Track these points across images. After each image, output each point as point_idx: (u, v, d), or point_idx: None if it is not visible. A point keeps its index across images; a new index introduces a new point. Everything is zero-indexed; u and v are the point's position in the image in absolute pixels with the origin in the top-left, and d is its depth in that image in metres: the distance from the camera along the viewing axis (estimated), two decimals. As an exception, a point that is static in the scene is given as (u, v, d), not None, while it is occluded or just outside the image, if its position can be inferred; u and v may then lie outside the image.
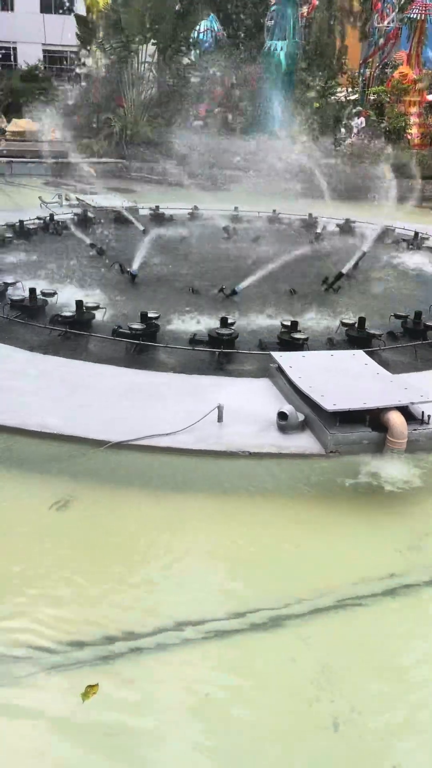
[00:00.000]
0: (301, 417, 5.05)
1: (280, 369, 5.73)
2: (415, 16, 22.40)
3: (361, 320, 6.92)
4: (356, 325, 6.93)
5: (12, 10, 36.94)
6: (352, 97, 24.34)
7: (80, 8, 30.04)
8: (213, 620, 3.41)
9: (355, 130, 21.25)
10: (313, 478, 4.65)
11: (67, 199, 14.53)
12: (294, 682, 3.11)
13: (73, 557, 3.88)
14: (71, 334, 6.61)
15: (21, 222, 11.61)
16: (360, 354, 6.06)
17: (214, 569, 3.87)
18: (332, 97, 24.89)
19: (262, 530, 4.23)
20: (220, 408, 5.00)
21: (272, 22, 23.17)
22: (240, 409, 5.16)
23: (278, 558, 4.00)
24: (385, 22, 22.07)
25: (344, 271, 8.88)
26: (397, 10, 22.23)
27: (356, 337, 6.80)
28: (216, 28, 24.63)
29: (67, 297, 7.61)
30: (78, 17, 29.04)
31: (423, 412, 5.04)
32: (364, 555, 4.07)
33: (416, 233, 12.31)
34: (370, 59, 23.09)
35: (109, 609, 3.48)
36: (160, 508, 4.36)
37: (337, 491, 4.56)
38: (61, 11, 36.72)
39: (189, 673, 3.14)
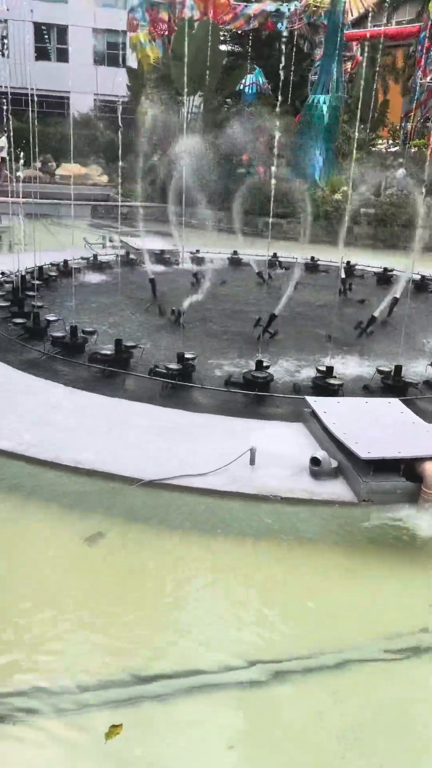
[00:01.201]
0: (334, 463, 5.01)
1: (314, 414, 5.71)
2: (457, 73, 22.86)
3: (397, 368, 6.89)
4: (392, 372, 6.90)
5: (67, 62, 38.79)
6: (393, 150, 24.71)
7: (132, 61, 31.42)
8: (238, 668, 3.35)
9: (396, 181, 21.50)
10: (345, 526, 4.58)
11: (110, 241, 14.95)
12: (321, 738, 3.02)
13: (99, 595, 3.87)
14: (109, 372, 6.74)
15: (65, 261, 11.98)
16: (396, 402, 6.02)
17: (241, 615, 3.82)
18: (373, 149, 25.33)
19: (291, 577, 4.17)
20: (252, 451, 5.00)
21: (316, 76, 23.85)
22: (273, 453, 5.15)
23: (306, 607, 3.92)
24: (428, 78, 22.50)
25: (377, 314, 8.85)
26: (439, 66, 22.68)
27: (392, 385, 6.76)
28: (261, 82, 25.44)
29: (109, 335, 7.78)
30: (129, 69, 30.41)
31: (459, 464, 4.94)
32: (395, 609, 3.96)
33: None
34: (412, 113, 23.49)
35: (132, 650, 3.44)
36: (189, 549, 4.34)
37: (368, 541, 4.48)
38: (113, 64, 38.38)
39: (212, 722, 3.08)
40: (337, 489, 4.87)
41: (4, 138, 25.52)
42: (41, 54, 39.51)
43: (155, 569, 4.13)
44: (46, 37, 39.18)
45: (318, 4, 24.24)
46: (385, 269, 13.23)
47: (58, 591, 3.87)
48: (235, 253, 14.22)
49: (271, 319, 8.39)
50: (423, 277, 12.71)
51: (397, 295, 10.07)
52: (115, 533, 4.43)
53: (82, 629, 3.59)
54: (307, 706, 3.20)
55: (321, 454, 5.00)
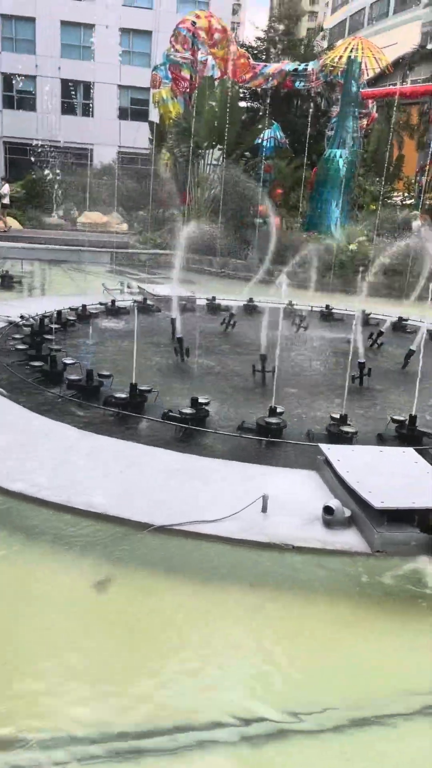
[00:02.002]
0: (347, 512, 4.95)
1: (327, 462, 5.68)
2: (471, 130, 23.41)
3: (412, 418, 6.85)
4: (407, 422, 6.86)
5: (92, 116, 40.29)
6: (408, 202, 25.15)
7: (153, 116, 32.57)
8: (246, 724, 3.25)
9: (413, 232, 21.81)
10: (358, 577, 4.49)
11: (128, 287, 15.22)
12: (330, 801, 2.90)
13: (107, 641, 3.80)
14: (123, 415, 6.77)
15: (83, 306, 12.18)
16: (410, 452, 5.97)
17: (249, 668, 3.72)
18: (388, 201, 25.80)
19: (302, 629, 4.07)
20: (264, 498, 4.96)
21: (332, 131, 24.53)
22: (285, 500, 5.11)
23: (317, 661, 3.81)
24: (442, 134, 23.07)
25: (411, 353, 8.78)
26: (453, 123, 23.26)
27: (407, 435, 6.71)
28: (279, 136, 26.21)
29: (124, 378, 7.85)
30: (151, 123, 31.51)
31: None
32: (410, 665, 3.84)
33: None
34: (427, 167, 23.97)
35: (139, 701, 3.36)
36: (198, 597, 4.27)
37: (382, 593, 4.38)
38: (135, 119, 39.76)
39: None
40: (350, 539, 4.80)
41: (6, 186, 26.33)
42: (68, 109, 41.11)
43: (162, 617, 4.06)
44: (73, 92, 40.80)
45: (335, 64, 25.09)
46: (401, 318, 13.30)
47: (63, 637, 3.81)
48: (250, 300, 14.38)
49: (263, 365, 8.47)
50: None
51: (413, 348, 10.09)
52: (124, 579, 4.38)
53: (85, 678, 3.52)
54: (316, 767, 3.08)
55: (334, 502, 4.95)
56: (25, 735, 3.06)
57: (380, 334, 11.54)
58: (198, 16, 25.20)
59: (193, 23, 25.02)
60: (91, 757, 2.98)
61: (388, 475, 5.31)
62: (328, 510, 4.90)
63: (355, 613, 4.25)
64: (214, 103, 23.09)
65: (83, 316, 11.88)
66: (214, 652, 3.82)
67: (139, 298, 13.66)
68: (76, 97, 40.70)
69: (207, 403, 6.96)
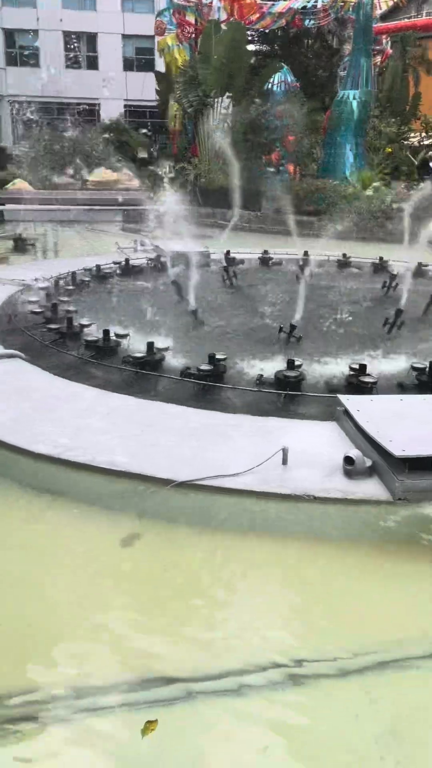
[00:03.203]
0: (368, 462, 4.95)
1: (347, 412, 5.66)
2: None
3: (433, 365, 6.77)
4: (427, 369, 6.79)
5: (97, 68, 39.28)
6: (427, 142, 24.33)
7: (160, 66, 31.65)
8: (272, 668, 3.34)
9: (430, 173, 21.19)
10: (380, 525, 4.52)
11: (142, 245, 15.09)
12: (358, 740, 2.98)
13: (133, 594, 3.91)
14: (142, 374, 6.79)
15: (98, 266, 12.12)
16: (431, 399, 5.92)
17: (275, 615, 3.80)
18: (405, 143, 24.99)
19: (325, 577, 4.13)
20: (285, 450, 4.98)
21: (345, 72, 23.65)
22: (305, 452, 5.12)
23: (340, 607, 3.89)
24: (460, 69, 22.10)
25: (401, 307, 8.63)
26: (471, 56, 22.26)
27: (427, 382, 6.65)
28: (290, 80, 25.33)
29: (139, 339, 7.85)
30: (157, 74, 30.66)
31: None
32: (431, 610, 3.90)
33: None
34: (445, 104, 23.10)
35: (164, 650, 3.46)
36: (221, 549, 4.35)
37: (404, 540, 4.42)
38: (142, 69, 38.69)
39: (247, 724, 3.07)
40: (371, 488, 4.82)
41: None
42: (72, 63, 40.09)
43: (188, 569, 4.14)
44: (77, 44, 39.73)
45: (345, -1, 24.03)
46: (420, 264, 13.04)
47: (92, 589, 3.92)
48: (265, 252, 14.18)
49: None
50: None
51: None
52: (150, 534, 4.46)
53: (114, 630, 3.63)
54: (344, 708, 3.17)
55: (354, 453, 4.95)
56: (49, 687, 3.17)
57: (393, 278, 11.35)
58: None
59: (196, -36, 24.03)
60: (118, 706, 3.09)
61: (409, 424, 5.28)
62: (348, 460, 4.90)
63: (378, 560, 4.29)
64: (221, 49, 22.28)
65: (98, 276, 11.83)
66: (238, 601, 3.91)
67: (153, 255, 13.54)
68: (79, 50, 39.62)
69: (224, 359, 6.93)
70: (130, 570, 4.15)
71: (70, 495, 4.85)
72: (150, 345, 7.19)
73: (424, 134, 26.10)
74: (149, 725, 2.83)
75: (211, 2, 25.43)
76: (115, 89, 38.42)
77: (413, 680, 3.36)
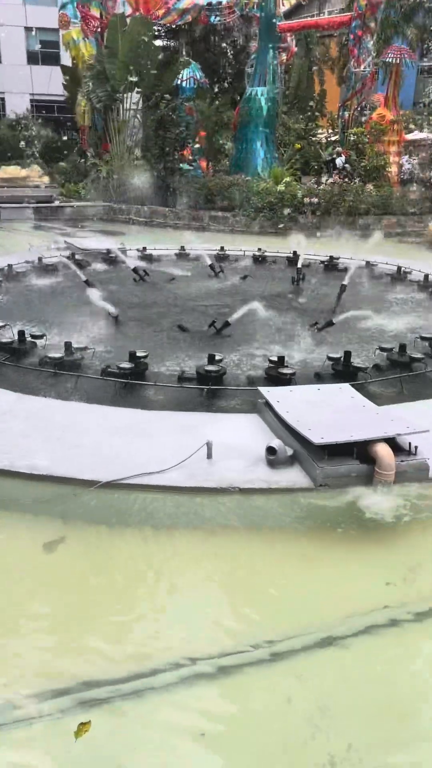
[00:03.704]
0: (289, 451, 5.08)
1: (267, 404, 5.78)
2: (390, 60, 23.27)
3: (347, 354, 7.01)
4: (342, 359, 7.02)
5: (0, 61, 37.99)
6: (333, 138, 25.02)
7: (66, 60, 30.95)
8: (206, 658, 3.38)
9: (337, 168, 21.81)
10: (303, 512, 4.66)
11: (54, 243, 14.76)
12: (289, 721, 3.07)
13: (62, 598, 3.85)
14: (60, 375, 6.66)
15: (9, 266, 11.76)
16: (346, 387, 6.13)
17: (205, 607, 3.85)
18: (313, 138, 25.62)
19: (253, 566, 4.22)
20: (209, 444, 5.03)
21: (252, 69, 23.95)
22: (229, 445, 5.19)
23: (269, 594, 3.98)
24: (362, 67, 22.82)
25: (333, 320, 8.67)
26: (372, 55, 23.03)
27: (342, 371, 6.88)
28: (199, 76, 25.41)
29: (56, 339, 7.69)
30: (64, 68, 29.96)
31: (410, 444, 5.08)
32: (356, 589, 4.05)
33: (399, 268, 12.57)
34: (349, 102, 23.82)
35: (99, 649, 3.44)
36: (149, 546, 4.34)
37: (327, 525, 4.57)
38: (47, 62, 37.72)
39: (183, 713, 3.10)
40: (293, 476, 4.94)
41: None
42: (-28, 55, 38.59)
43: (116, 569, 4.12)
44: (-24, 37, 38.25)
45: (249, -4, 24.30)
46: (331, 258, 13.43)
47: (20, 596, 3.83)
48: (182, 248, 14.20)
49: (225, 325, 8.37)
50: (368, 263, 12.97)
51: (345, 283, 10.25)
52: (75, 537, 4.40)
53: (45, 634, 3.57)
54: (275, 692, 3.25)
55: (276, 443, 5.06)
56: (-12, 698, 3.09)
57: (299, 271, 11.63)
58: None
59: None
60: (66, 707, 3.05)
61: (327, 412, 5.45)
62: (270, 450, 5.01)
63: (302, 546, 4.42)
64: (127, 43, 22.04)
65: (10, 276, 11.48)
66: (172, 595, 3.93)
67: (67, 253, 13.27)
68: (-21, 42, 38.18)
69: (145, 356, 6.91)
70: (54, 575, 4.08)
71: (-10, 502, 4.71)
72: (68, 345, 7.06)
73: (330, 131, 26.86)
74: (82, 727, 2.81)
75: (116, -5, 25.16)
76: (21, 83, 37.31)
77: (337, 657, 3.50)
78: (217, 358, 6.87)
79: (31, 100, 38.14)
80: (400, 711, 3.21)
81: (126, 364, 6.60)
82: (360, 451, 4.95)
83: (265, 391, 5.98)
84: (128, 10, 24.53)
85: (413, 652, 3.63)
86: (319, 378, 6.88)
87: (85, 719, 2.92)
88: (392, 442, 4.98)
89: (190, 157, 22.14)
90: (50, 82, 34.95)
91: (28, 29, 38.48)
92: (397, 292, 11.44)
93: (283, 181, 20.65)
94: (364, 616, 3.75)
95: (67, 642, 3.51)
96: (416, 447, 5.05)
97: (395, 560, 4.30)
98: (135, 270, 11.59)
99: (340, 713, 3.11)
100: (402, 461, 4.91)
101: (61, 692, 3.14)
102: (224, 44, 29.07)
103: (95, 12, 24.69)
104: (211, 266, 12.06)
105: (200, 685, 3.26)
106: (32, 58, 39.08)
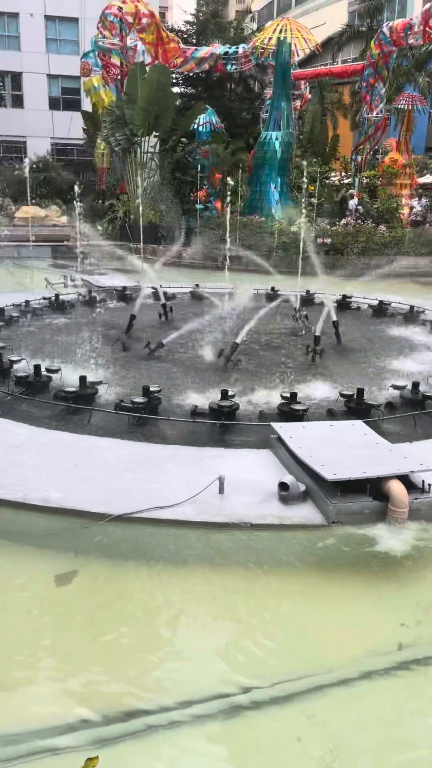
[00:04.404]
0: (302, 487, 5.06)
1: (280, 440, 5.78)
2: (402, 107, 23.83)
3: (360, 391, 7.02)
4: (355, 396, 7.02)
5: (22, 107, 39.25)
6: (346, 181, 25.48)
7: (86, 105, 31.98)
8: (216, 697, 3.33)
9: (350, 210, 22.14)
10: (316, 549, 4.62)
11: (72, 280, 15.01)
12: (300, 762, 3.00)
13: (73, 633, 3.82)
14: (75, 409, 6.72)
15: (27, 302, 11.97)
16: (359, 424, 6.13)
17: (216, 645, 3.80)
18: (326, 181, 26.08)
19: (265, 603, 4.17)
20: (221, 479, 5.02)
21: (267, 114, 24.58)
22: (241, 480, 5.18)
23: (281, 632, 3.93)
24: (374, 113, 23.38)
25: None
26: (384, 101, 23.60)
27: (355, 408, 6.88)
28: (215, 121, 26.12)
29: (71, 373, 7.77)
30: (84, 113, 30.94)
31: (423, 481, 5.05)
32: (369, 628, 3.99)
33: (411, 307, 12.62)
34: (362, 146, 24.32)
35: (109, 686, 3.40)
36: (161, 581, 4.32)
37: (340, 562, 4.52)
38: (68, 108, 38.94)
39: (193, 753, 3.04)
40: (306, 512, 4.92)
41: None
42: (-2, 101, 39.93)
43: (127, 604, 4.09)
44: (1, 84, 39.63)
45: (265, 46, 25.08)
46: (344, 296, 13.53)
47: (30, 630, 3.80)
48: (196, 286, 14.38)
49: (234, 348, 8.45)
50: (380, 302, 13.05)
51: (335, 318, 10.24)
52: (87, 570, 4.39)
53: (55, 669, 3.53)
54: (286, 732, 3.19)
55: (289, 478, 5.05)
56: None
57: (297, 311, 11.68)
58: (124, 1, 24.72)
59: (120, 8, 24.57)
60: (73, 745, 3.00)
61: (339, 448, 5.44)
62: (283, 486, 4.99)
63: (315, 584, 4.37)
64: (147, 90, 22.79)
65: (27, 311, 11.67)
66: (183, 632, 3.89)
67: (84, 290, 13.49)
68: (4, 88, 39.50)
69: (159, 391, 6.96)
70: (69, 608, 4.06)
71: (1, 533, 4.71)
72: (82, 379, 7.14)
73: (343, 173, 27.37)
74: (89, 762, 2.75)
75: (136, 46, 26.06)
76: (42, 127, 38.47)
77: (350, 697, 3.42)
78: (229, 393, 6.91)
79: (52, 144, 39.27)
80: (411, 754, 3.13)
81: (139, 399, 6.65)
82: (373, 488, 4.92)
83: (277, 426, 5.99)
84: (148, 59, 25.39)
85: (425, 694, 3.54)
86: (331, 414, 6.87)
87: (92, 755, 2.87)
88: (406, 480, 4.95)
89: (206, 198, 22.60)
90: (71, 127, 36.05)
91: (50, 76, 39.86)
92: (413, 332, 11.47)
93: (298, 222, 20.96)
94: (378, 657, 3.68)
95: (74, 677, 3.47)
96: (430, 485, 5.02)
97: (408, 600, 4.24)
98: (163, 306, 11.74)
99: (352, 755, 3.04)
100: (416, 499, 4.88)
101: (68, 728, 3.10)
102: (240, 90, 29.92)
103: (116, 60, 25.57)
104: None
105: (209, 724, 3.20)
106: (54, 104, 40.38)
